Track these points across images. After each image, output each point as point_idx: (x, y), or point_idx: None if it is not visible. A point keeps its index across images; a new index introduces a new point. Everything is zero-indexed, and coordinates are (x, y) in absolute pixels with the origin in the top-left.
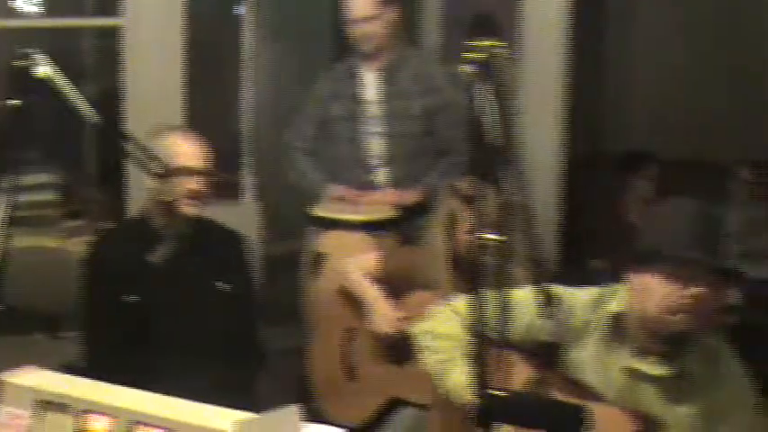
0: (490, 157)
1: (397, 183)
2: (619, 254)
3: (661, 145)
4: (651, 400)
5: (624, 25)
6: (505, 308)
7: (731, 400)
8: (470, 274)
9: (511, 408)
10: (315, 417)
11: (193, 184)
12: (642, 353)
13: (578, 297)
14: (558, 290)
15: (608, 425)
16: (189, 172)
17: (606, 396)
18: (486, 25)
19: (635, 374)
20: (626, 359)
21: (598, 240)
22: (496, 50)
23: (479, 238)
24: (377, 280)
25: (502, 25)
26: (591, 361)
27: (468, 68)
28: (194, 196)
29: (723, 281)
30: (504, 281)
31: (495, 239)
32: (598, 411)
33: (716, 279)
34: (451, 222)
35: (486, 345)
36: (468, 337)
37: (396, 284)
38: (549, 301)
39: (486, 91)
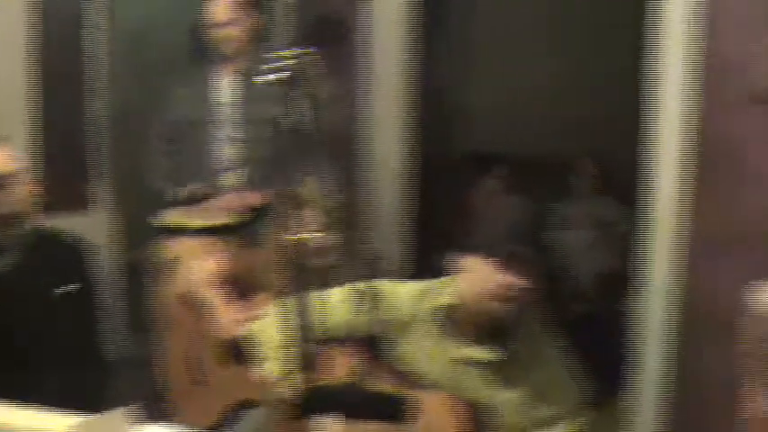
0: (312, 161)
1: (248, 186)
2: (457, 247)
3: (512, 145)
4: (480, 385)
5: (470, 26)
6: (327, 305)
7: (551, 382)
8: (295, 274)
9: (334, 399)
10: (167, 420)
11: (15, 193)
12: (470, 341)
13: (404, 291)
14: (383, 285)
15: (436, 413)
16: (5, 181)
17: (437, 384)
18: (329, 28)
19: (463, 361)
20: (455, 348)
21: (447, 237)
22: (304, 59)
23: (303, 239)
24: (219, 283)
25: (346, 28)
26: (421, 351)
27: (269, 78)
28: (20, 205)
29: (541, 271)
30: (327, 279)
31: (318, 239)
32: (426, 400)
33: (533, 269)
34: (282, 224)
35: (309, 341)
36: (291, 335)
37: (240, 287)
38: (369, 297)
39: (297, 98)
